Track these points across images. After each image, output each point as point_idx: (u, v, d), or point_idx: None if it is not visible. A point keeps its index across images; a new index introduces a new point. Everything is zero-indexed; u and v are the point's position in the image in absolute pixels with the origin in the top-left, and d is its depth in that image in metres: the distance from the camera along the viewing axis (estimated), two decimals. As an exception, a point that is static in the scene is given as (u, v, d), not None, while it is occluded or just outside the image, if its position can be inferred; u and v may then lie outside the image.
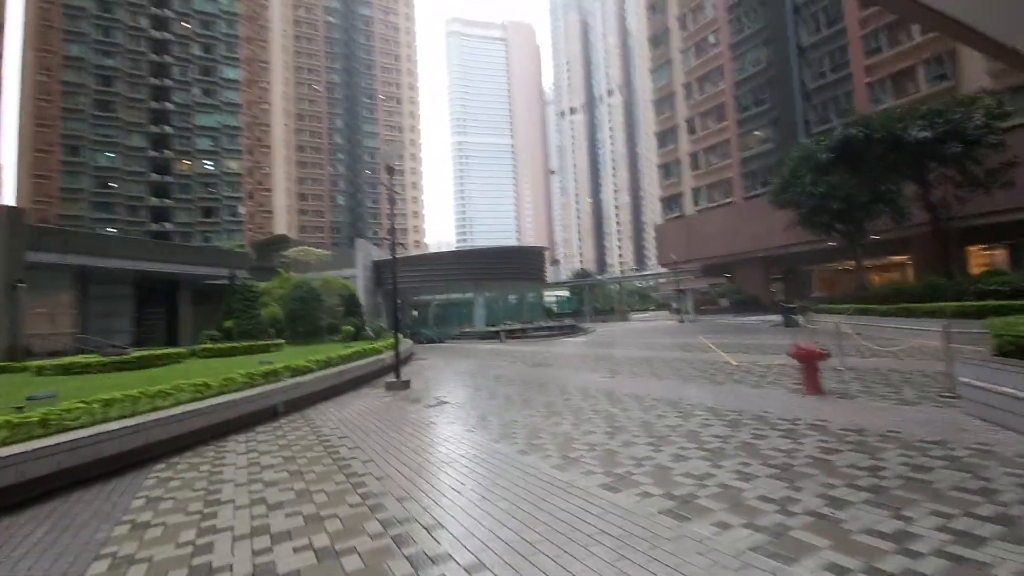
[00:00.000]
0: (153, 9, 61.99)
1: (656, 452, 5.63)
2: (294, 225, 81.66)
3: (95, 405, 6.46)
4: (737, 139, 39.47)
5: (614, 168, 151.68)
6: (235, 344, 18.09)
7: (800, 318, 26.29)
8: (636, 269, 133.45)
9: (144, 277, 34.00)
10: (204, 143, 63.97)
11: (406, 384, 11.98)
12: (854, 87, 32.32)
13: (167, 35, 62.70)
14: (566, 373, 13.27)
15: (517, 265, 44.45)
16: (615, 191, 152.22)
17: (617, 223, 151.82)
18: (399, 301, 46.51)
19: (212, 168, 63.93)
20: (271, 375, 9.67)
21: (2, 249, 23.14)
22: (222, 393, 8.44)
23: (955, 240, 30.56)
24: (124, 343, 33.93)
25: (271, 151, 72.32)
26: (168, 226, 61.93)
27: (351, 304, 28.11)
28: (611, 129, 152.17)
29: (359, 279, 38.57)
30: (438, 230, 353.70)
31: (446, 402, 9.82)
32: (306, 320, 23.97)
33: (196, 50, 63.84)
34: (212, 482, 5.58)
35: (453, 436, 7.03)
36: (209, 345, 17.76)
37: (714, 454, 5.43)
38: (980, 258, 32.37)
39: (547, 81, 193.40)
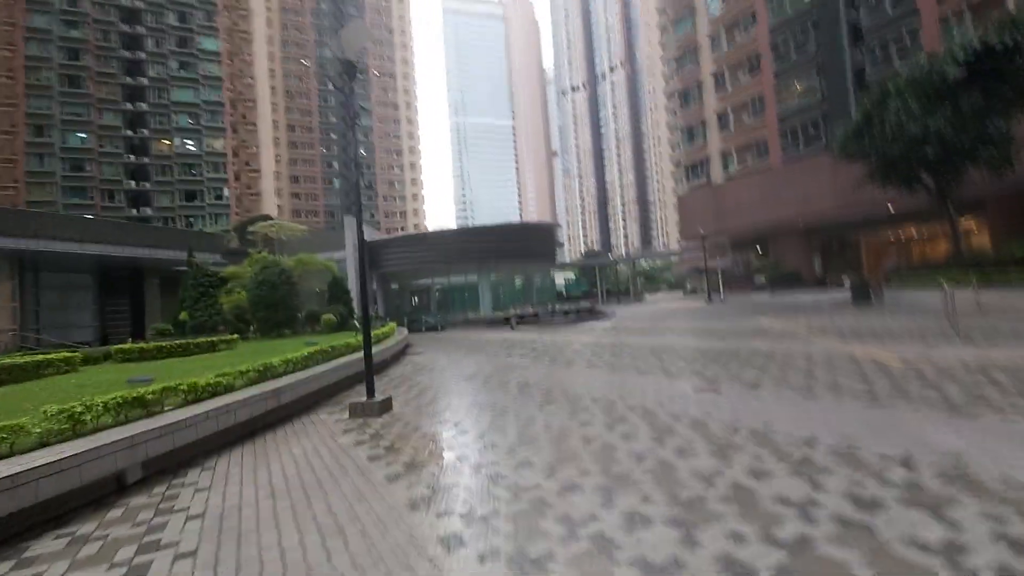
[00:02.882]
0: (120, -26, 56.87)
1: None
2: (286, 208, 77.20)
3: None
4: (774, 93, 34.63)
5: (618, 147, 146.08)
6: (169, 343, 13.78)
7: (874, 293, 21.88)
8: (641, 249, 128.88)
9: (103, 263, 29.75)
10: (183, 121, 59.27)
11: (384, 406, 7.68)
12: (922, 24, 27.47)
13: (137, 2, 57.65)
14: (625, 381, 8.95)
15: (526, 244, 40.01)
16: (619, 171, 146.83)
17: (622, 203, 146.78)
18: (394, 285, 42.27)
19: (193, 148, 59.30)
20: (115, 410, 5.36)
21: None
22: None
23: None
24: (87, 338, 29.89)
25: (257, 129, 67.57)
26: (148, 211, 57.58)
27: (336, 289, 23.84)
28: (614, 107, 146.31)
29: (350, 261, 34.24)
30: (439, 215, 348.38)
31: (450, 461, 5.52)
32: (277, 309, 19.68)
33: (171, 19, 58.78)
34: None
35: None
36: (129, 346, 13.46)
37: None
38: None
39: (547, 60, 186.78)
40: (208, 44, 60.25)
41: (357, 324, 20.08)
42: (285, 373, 8.76)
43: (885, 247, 36.85)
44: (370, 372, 7.95)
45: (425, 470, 4.87)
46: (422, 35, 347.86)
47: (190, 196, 58.51)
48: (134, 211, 56.95)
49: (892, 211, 30.03)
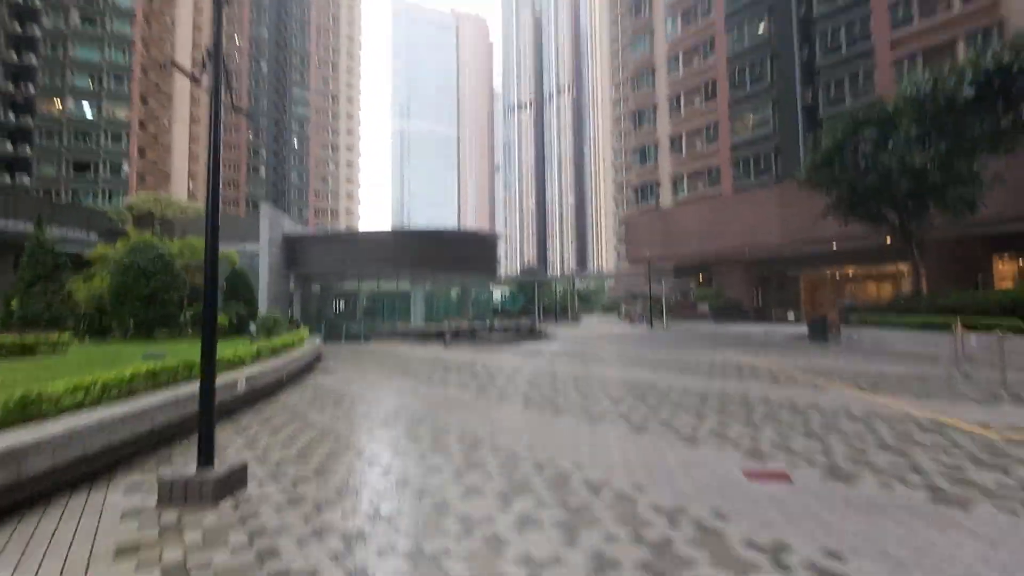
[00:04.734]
0: (18, -96, 49.03)
1: None
2: (199, 193, 69.56)
3: None
4: (728, 121, 34.21)
5: (560, 168, 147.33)
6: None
7: (831, 331, 20.81)
8: (577, 270, 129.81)
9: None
10: (82, 82, 51.47)
11: (226, 485, 4.39)
12: (876, 66, 27.69)
13: (36, -61, 49.76)
14: (619, 446, 6.21)
15: (466, 253, 36.94)
16: (560, 191, 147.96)
17: (560, 223, 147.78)
18: (316, 288, 37.85)
19: (90, 115, 51.51)
20: None
21: None
22: None
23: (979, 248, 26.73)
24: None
25: (172, 102, 60.34)
26: (25, 179, 49.06)
27: (236, 284, 19.65)
28: (559, 128, 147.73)
29: (264, 255, 29.61)
30: (374, 219, 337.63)
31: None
32: (149, 303, 15.38)
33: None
34: None
35: None
36: None
37: None
38: (1008, 271, 28.81)
39: (497, 76, 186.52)
40: (121, 1, 53.03)
41: (254, 328, 16.16)
42: (69, 409, 5.24)
43: (824, 284, 37.27)
44: (209, 421, 4.63)
45: None
46: (371, 32, 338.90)
47: (81, 167, 50.59)
48: (7, 178, 48.35)
49: (835, 248, 30.09)
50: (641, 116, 41.11)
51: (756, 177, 33.10)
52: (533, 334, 28.73)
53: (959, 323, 13.59)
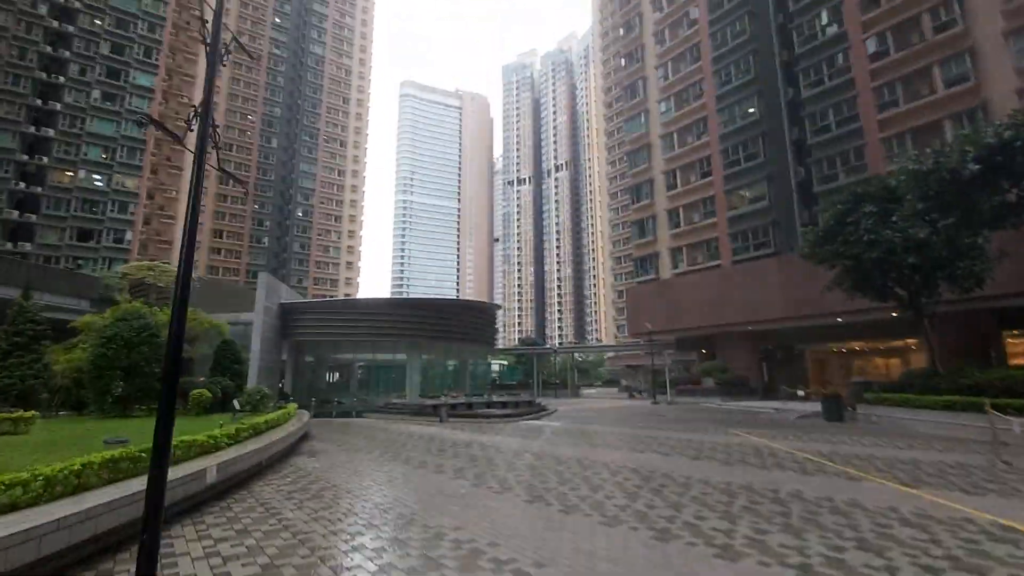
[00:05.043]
0: (54, -4, 52.79)
1: None
2: (202, 263, 70.10)
3: None
4: (724, 195, 34.86)
5: (558, 240, 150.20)
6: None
7: (847, 411, 19.83)
8: (575, 342, 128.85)
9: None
10: (95, 153, 53.07)
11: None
12: (866, 143, 28.56)
13: (68, 28, 53.18)
14: (619, 543, 5.36)
15: (465, 323, 36.36)
16: (559, 263, 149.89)
17: (559, 295, 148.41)
18: (310, 358, 36.87)
19: (100, 184, 52.73)
20: None
21: None
22: None
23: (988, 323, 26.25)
24: None
25: (182, 174, 62.04)
26: (27, 246, 49.27)
27: (224, 356, 18.86)
28: (557, 202, 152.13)
29: (257, 325, 28.89)
30: (374, 289, 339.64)
31: None
32: (131, 375, 14.55)
33: (104, 49, 54.41)
34: None
35: None
36: None
37: None
38: (1019, 346, 28.15)
39: (497, 150, 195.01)
40: (143, 80, 55.91)
41: (237, 404, 15.20)
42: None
43: (831, 359, 36.42)
44: (154, 535, 3.80)
45: None
46: (378, 109, 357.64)
47: (84, 236, 51.02)
48: (9, 244, 48.57)
49: (841, 322, 29.58)
50: (639, 191, 42.04)
51: (754, 250, 33.22)
52: (532, 409, 27.52)
53: (989, 405, 12.83)
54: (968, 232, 16.47)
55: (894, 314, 24.65)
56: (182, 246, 4.29)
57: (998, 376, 15.36)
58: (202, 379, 16.73)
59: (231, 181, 76.26)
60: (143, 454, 6.69)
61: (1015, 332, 27.44)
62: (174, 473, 6.93)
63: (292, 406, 17.19)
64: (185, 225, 4.33)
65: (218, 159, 4.59)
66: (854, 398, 21.05)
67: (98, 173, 53.04)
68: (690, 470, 9.62)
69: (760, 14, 34.95)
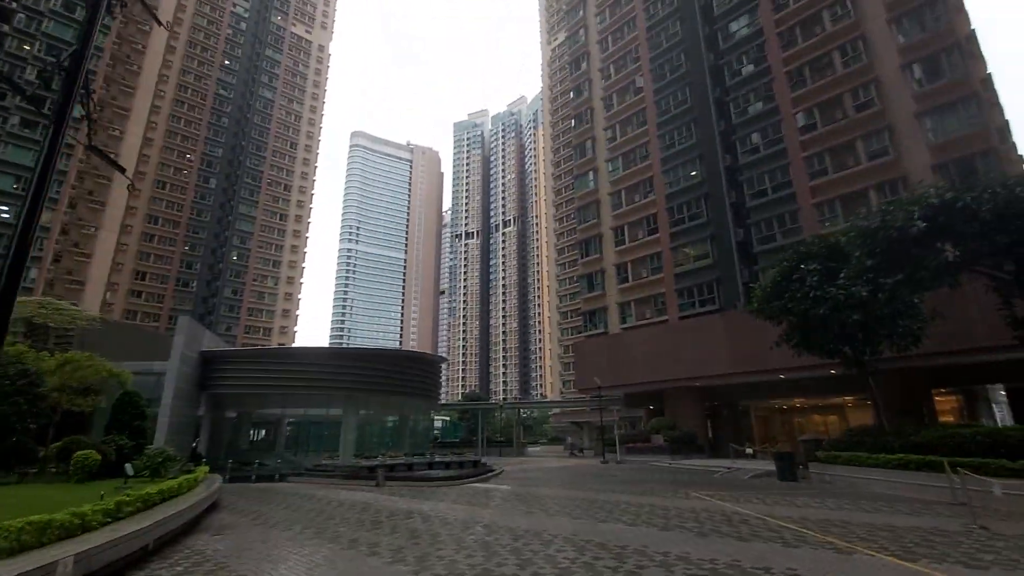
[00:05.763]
0: (-25, 16, 49.35)
1: None
2: (118, 307, 64.10)
3: None
4: (670, 252, 35.70)
5: (504, 294, 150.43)
6: None
7: (800, 470, 19.49)
8: (520, 398, 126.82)
9: None
10: (6, 183, 48.32)
11: None
12: (800, 207, 30.22)
13: (-12, 50, 49.47)
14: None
15: (409, 376, 34.32)
16: (504, 317, 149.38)
17: (504, 349, 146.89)
18: (231, 414, 33.40)
19: (7, 216, 47.70)
20: None
21: None
22: None
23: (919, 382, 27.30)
24: None
25: (104, 211, 57.51)
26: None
27: (123, 409, 16.24)
28: (504, 256, 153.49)
29: (171, 375, 25.80)
30: (311, 339, 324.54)
31: None
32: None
33: (27, 74, 50.86)
34: None
35: None
36: None
37: None
38: (944, 404, 29.39)
39: (447, 203, 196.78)
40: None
41: (130, 469, 12.78)
42: None
43: (773, 416, 36.88)
44: None
45: None
46: (326, 157, 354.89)
47: (-23, 271, 45.45)
48: None
49: (783, 378, 30.07)
50: (588, 245, 42.54)
51: (700, 306, 33.80)
52: (478, 470, 25.62)
53: (948, 464, 12.66)
54: (908, 291, 17.05)
55: (832, 371, 25.38)
56: (13, 236, 3.00)
57: (946, 434, 15.43)
58: (80, 438, 14.06)
59: (160, 221, 71.59)
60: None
61: (943, 390, 28.82)
62: (6, 570, 5.11)
63: (202, 469, 14.79)
64: (24, 206, 3.05)
65: (88, 134, 3.40)
66: (805, 456, 20.87)
67: (7, 204, 48.13)
68: (664, 544, 8.50)
69: (698, 87, 37.35)
